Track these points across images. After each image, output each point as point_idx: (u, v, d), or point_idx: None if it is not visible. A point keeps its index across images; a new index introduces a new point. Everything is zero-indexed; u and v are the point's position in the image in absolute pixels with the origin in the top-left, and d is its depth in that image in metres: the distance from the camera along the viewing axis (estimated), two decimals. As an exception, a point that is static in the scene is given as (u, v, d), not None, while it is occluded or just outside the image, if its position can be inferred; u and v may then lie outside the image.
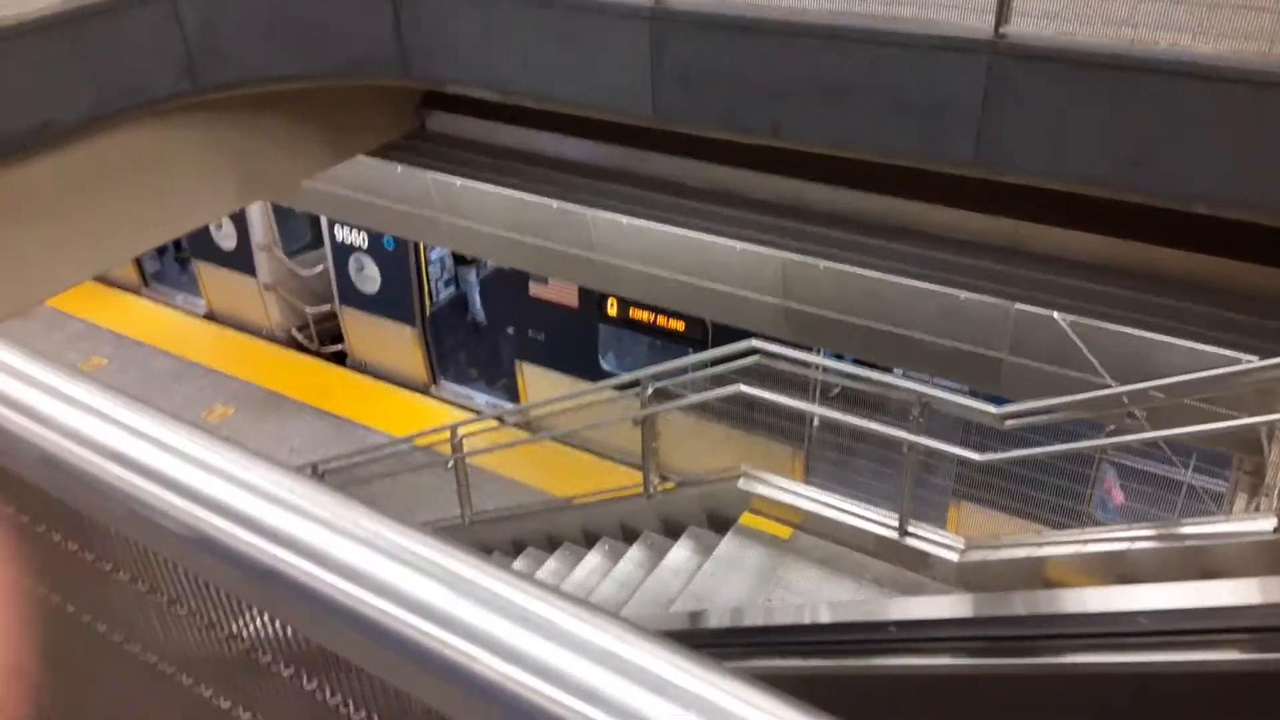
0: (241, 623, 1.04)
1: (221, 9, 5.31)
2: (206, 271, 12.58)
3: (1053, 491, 5.31)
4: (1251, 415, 4.14)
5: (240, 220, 11.63)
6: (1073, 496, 5.45)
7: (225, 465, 0.68)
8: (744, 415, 6.53)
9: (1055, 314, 5.03)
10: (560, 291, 9.58)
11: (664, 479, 6.37)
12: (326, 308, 11.88)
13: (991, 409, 4.58)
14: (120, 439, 0.73)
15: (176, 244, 13.09)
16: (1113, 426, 5.09)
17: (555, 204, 6.63)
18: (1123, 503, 6.76)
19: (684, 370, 6.00)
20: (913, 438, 4.76)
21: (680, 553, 5.77)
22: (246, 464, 0.68)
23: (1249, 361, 4.36)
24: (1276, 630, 2.97)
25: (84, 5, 4.83)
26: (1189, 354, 4.73)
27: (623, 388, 6.53)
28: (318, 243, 11.67)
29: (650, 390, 5.90)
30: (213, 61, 5.40)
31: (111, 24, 4.97)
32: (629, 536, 6.42)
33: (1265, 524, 3.74)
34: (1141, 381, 4.38)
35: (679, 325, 8.93)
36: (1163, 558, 4.03)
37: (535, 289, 9.76)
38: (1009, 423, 4.54)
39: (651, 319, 9.09)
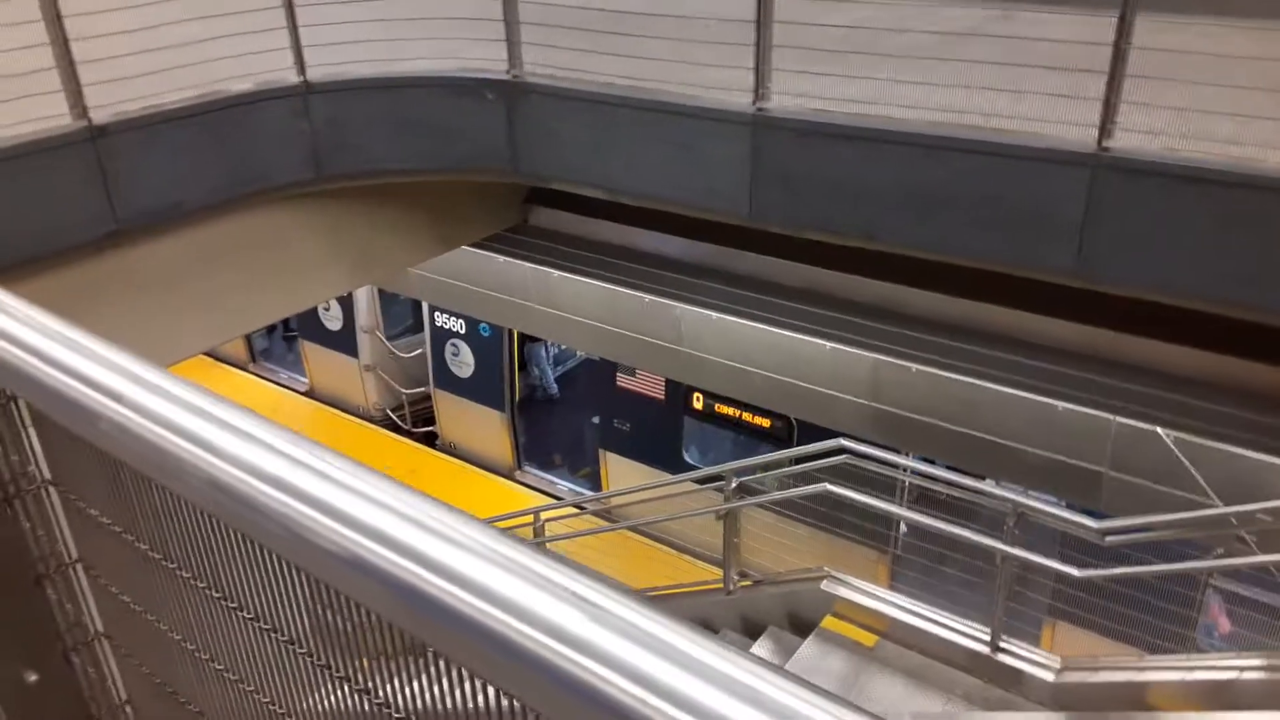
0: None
1: (347, 107, 5.67)
2: (311, 350, 13.08)
3: (1155, 614, 5.06)
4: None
5: (347, 303, 12.12)
6: (1176, 621, 5.19)
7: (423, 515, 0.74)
8: (829, 515, 6.44)
9: (1160, 430, 4.89)
10: (647, 383, 9.68)
11: (744, 576, 6.29)
12: (421, 390, 12.20)
13: (1091, 523, 4.44)
14: (281, 467, 0.80)
15: (285, 323, 13.68)
16: (1220, 550, 4.87)
17: (646, 297, 6.77)
18: (1229, 631, 6.39)
19: (769, 466, 5.98)
20: (1007, 548, 4.64)
21: (759, 654, 5.65)
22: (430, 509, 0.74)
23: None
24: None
25: (219, 98, 5.21)
26: (1302, 478, 4.54)
27: (706, 481, 6.52)
28: (418, 327, 12.07)
29: (734, 485, 5.88)
30: (336, 154, 5.73)
31: (244, 116, 5.34)
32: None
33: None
34: (1250, 503, 4.21)
35: (764, 421, 8.91)
36: (1273, 689, 3.80)
37: (622, 380, 9.88)
38: (1110, 539, 4.40)
39: (737, 414, 9.09)
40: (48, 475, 1.44)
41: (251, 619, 1.24)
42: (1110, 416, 5.02)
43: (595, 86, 5.31)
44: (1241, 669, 4.07)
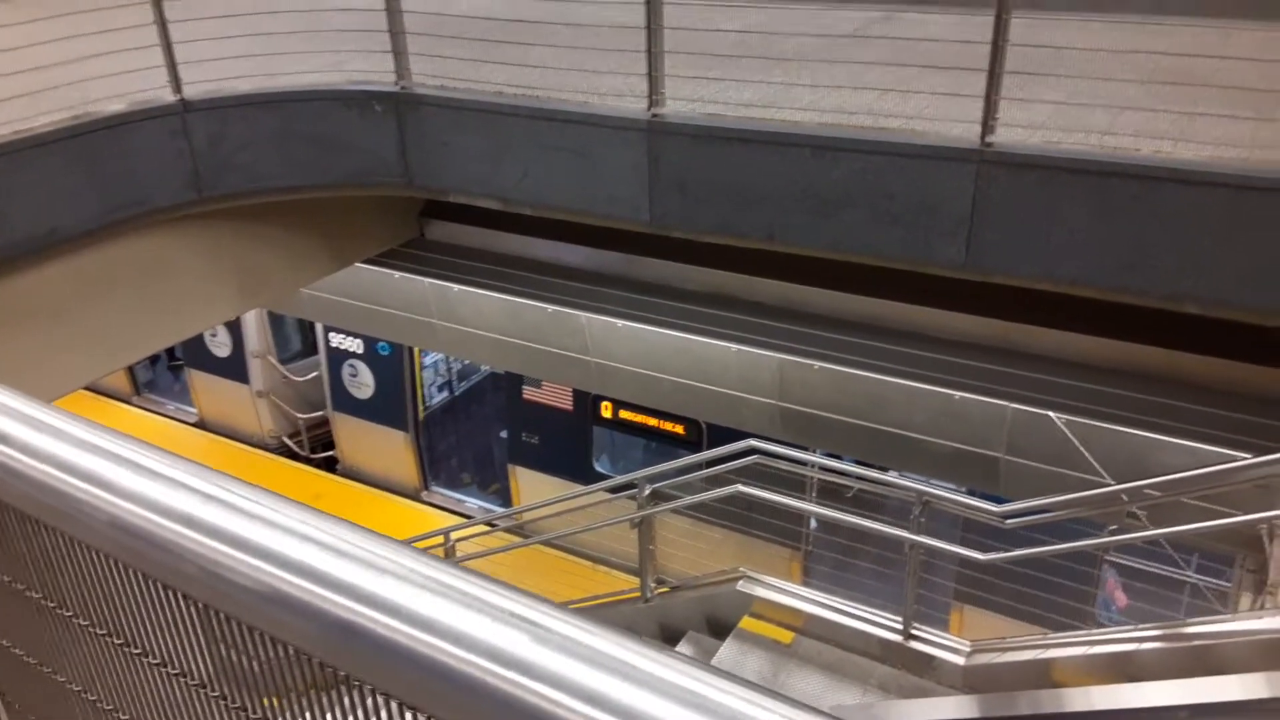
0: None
1: (229, 124, 5.46)
2: (199, 379, 12.58)
3: (1056, 593, 5.26)
4: (1250, 513, 4.15)
5: (235, 328, 11.70)
6: (1076, 597, 5.40)
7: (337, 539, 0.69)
8: (742, 516, 6.49)
9: (1052, 414, 5.08)
10: (554, 394, 9.61)
11: (661, 583, 6.28)
12: (319, 414, 11.86)
13: (992, 508, 4.58)
14: (191, 503, 0.75)
15: (170, 352, 13.12)
16: (1115, 526, 5.08)
17: (549, 308, 6.72)
18: (1126, 604, 6.68)
19: (681, 471, 5.99)
20: (915, 537, 4.74)
21: (680, 659, 5.65)
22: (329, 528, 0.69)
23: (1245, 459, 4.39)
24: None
25: (91, 120, 4.96)
26: (1187, 452, 4.76)
27: (618, 490, 6.50)
28: (311, 350, 11.72)
29: (647, 492, 5.87)
30: (218, 173, 5.52)
31: (119, 137, 5.09)
32: (626, 643, 6.28)
33: (1272, 621, 3.71)
34: (1140, 480, 4.40)
35: (674, 427, 8.94)
36: (1169, 657, 3.98)
37: (529, 392, 9.79)
38: (1010, 522, 4.54)
39: (647, 421, 9.10)
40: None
41: (157, 664, 1.17)
42: (1006, 404, 5.19)
43: (487, 96, 5.25)
44: (1139, 640, 4.24)
